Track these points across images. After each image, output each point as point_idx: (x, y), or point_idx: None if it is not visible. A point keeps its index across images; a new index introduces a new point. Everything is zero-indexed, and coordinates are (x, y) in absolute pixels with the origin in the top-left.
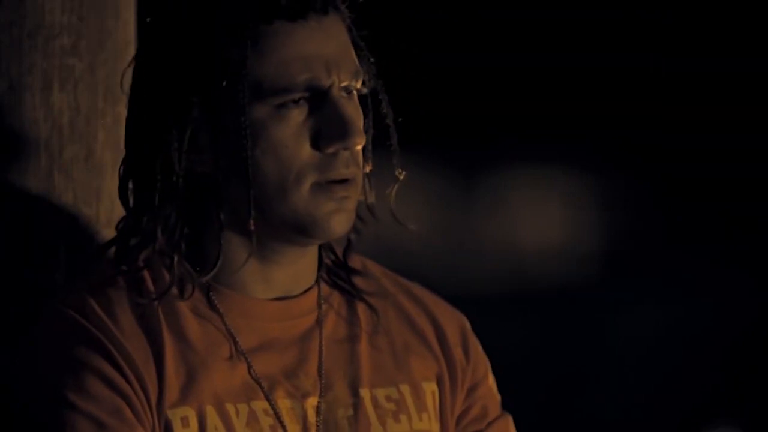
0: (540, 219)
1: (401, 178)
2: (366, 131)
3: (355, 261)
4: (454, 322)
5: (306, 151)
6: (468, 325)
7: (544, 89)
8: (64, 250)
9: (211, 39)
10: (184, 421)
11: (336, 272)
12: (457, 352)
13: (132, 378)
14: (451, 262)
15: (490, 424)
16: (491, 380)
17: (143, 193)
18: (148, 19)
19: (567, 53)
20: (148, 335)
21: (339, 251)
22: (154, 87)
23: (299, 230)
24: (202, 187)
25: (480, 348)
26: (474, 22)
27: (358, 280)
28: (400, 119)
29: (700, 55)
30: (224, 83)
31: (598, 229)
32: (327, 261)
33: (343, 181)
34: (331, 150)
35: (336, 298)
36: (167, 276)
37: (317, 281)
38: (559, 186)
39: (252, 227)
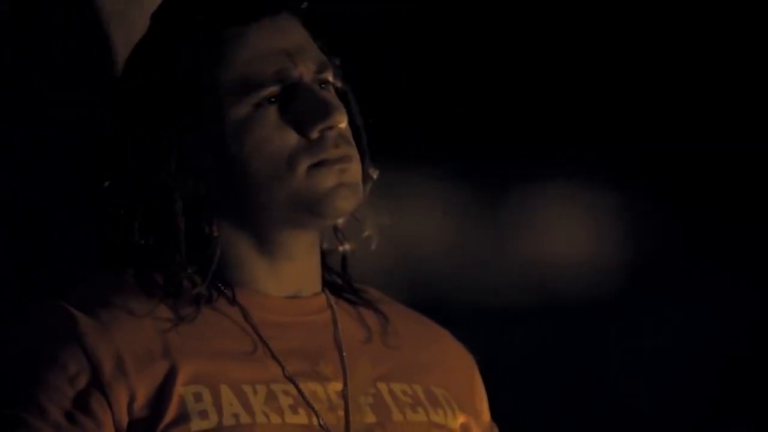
0: (564, 232)
1: (374, 176)
2: (354, 127)
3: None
4: (458, 348)
5: (293, 139)
6: (473, 361)
7: (569, 103)
8: (76, 256)
9: (173, 60)
10: (197, 396)
11: (338, 288)
12: (463, 372)
13: (112, 383)
14: (475, 274)
15: None
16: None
17: (144, 219)
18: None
19: (592, 68)
20: (156, 332)
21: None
22: (133, 122)
23: (306, 209)
24: (204, 203)
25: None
26: (502, 36)
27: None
28: (371, 120)
29: (722, 68)
30: (197, 98)
31: (622, 242)
32: (328, 278)
33: (338, 158)
34: (315, 133)
35: (342, 304)
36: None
37: (323, 290)
38: (582, 199)
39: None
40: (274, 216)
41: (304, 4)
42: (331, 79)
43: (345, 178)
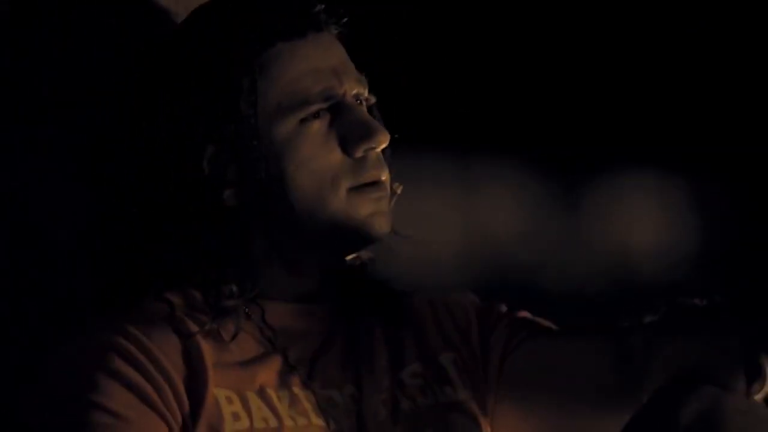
0: (640, 222)
1: (398, 192)
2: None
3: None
4: (458, 302)
5: (337, 156)
6: (469, 299)
7: (644, 96)
8: (85, 258)
9: (219, 74)
10: (228, 399)
11: (348, 284)
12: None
13: (166, 391)
14: (553, 262)
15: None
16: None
17: (173, 230)
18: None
19: (674, 67)
20: (184, 346)
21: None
22: (170, 132)
23: (344, 237)
24: (233, 218)
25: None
26: (588, 34)
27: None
28: (396, 135)
29: None
30: (242, 114)
31: (696, 232)
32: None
33: (375, 183)
34: (359, 153)
35: (350, 305)
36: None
37: (332, 289)
38: (658, 189)
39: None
40: (309, 237)
41: (345, 20)
42: (366, 95)
43: (380, 206)
